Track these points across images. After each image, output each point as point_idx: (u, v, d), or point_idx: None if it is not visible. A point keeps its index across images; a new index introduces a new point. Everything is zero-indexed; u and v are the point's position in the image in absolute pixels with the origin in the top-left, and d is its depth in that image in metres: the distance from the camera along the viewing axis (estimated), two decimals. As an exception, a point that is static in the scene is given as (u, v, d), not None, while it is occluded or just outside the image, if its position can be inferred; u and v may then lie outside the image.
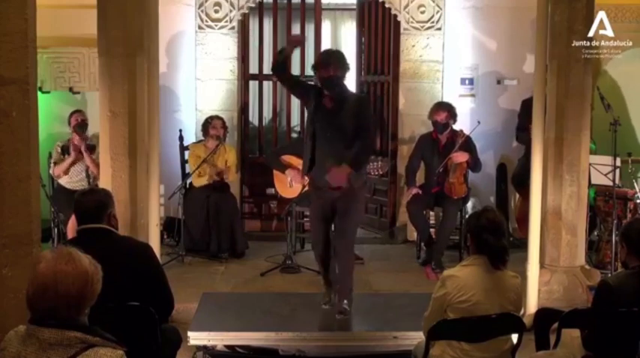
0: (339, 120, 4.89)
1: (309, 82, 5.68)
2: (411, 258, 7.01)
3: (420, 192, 6.73)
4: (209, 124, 6.96)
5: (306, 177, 5.93)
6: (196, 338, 4.57)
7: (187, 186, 6.99)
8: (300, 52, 7.84)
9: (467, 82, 7.58)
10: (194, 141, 7.28)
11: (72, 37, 7.11)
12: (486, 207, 3.92)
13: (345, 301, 4.99)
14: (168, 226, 7.27)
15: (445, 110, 6.71)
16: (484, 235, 3.53)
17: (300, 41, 5.58)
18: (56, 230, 6.50)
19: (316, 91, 5.09)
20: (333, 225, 5.13)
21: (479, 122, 6.84)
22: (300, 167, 5.57)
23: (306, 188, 5.95)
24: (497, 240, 3.52)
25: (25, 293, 2.29)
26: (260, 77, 7.86)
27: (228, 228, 6.87)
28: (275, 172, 6.76)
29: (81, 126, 6.68)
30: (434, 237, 6.82)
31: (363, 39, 8.14)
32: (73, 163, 6.64)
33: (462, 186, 6.68)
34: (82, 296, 2.28)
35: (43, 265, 2.28)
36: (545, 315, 4.02)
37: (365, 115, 5.00)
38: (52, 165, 6.69)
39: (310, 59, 7.19)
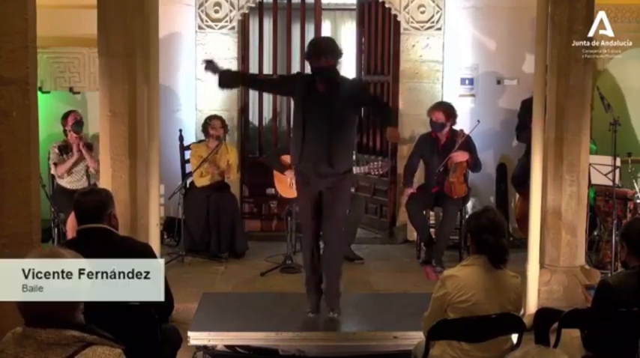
0: (334, 104, 4.76)
1: (284, 75, 5.56)
2: (411, 258, 7.00)
3: (415, 191, 6.74)
4: (208, 125, 6.96)
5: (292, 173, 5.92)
6: (196, 338, 4.57)
7: (187, 186, 6.99)
8: (300, 52, 7.85)
9: (467, 82, 7.58)
10: (194, 141, 7.27)
11: (72, 37, 7.10)
12: (486, 207, 3.93)
13: (334, 313, 4.97)
14: (169, 226, 7.27)
15: (441, 111, 6.69)
16: (484, 235, 3.53)
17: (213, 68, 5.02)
18: (56, 230, 6.51)
19: (304, 78, 5.01)
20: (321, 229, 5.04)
21: (478, 121, 6.85)
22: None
23: None
24: (497, 239, 3.53)
25: None
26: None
27: (229, 228, 6.86)
28: (275, 172, 6.76)
29: (78, 125, 6.72)
30: (434, 236, 6.83)
31: (363, 39, 8.13)
32: (76, 162, 6.68)
33: (462, 185, 6.69)
34: None
35: None
36: (545, 315, 4.01)
37: (364, 97, 5.05)
38: (52, 166, 6.70)
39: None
